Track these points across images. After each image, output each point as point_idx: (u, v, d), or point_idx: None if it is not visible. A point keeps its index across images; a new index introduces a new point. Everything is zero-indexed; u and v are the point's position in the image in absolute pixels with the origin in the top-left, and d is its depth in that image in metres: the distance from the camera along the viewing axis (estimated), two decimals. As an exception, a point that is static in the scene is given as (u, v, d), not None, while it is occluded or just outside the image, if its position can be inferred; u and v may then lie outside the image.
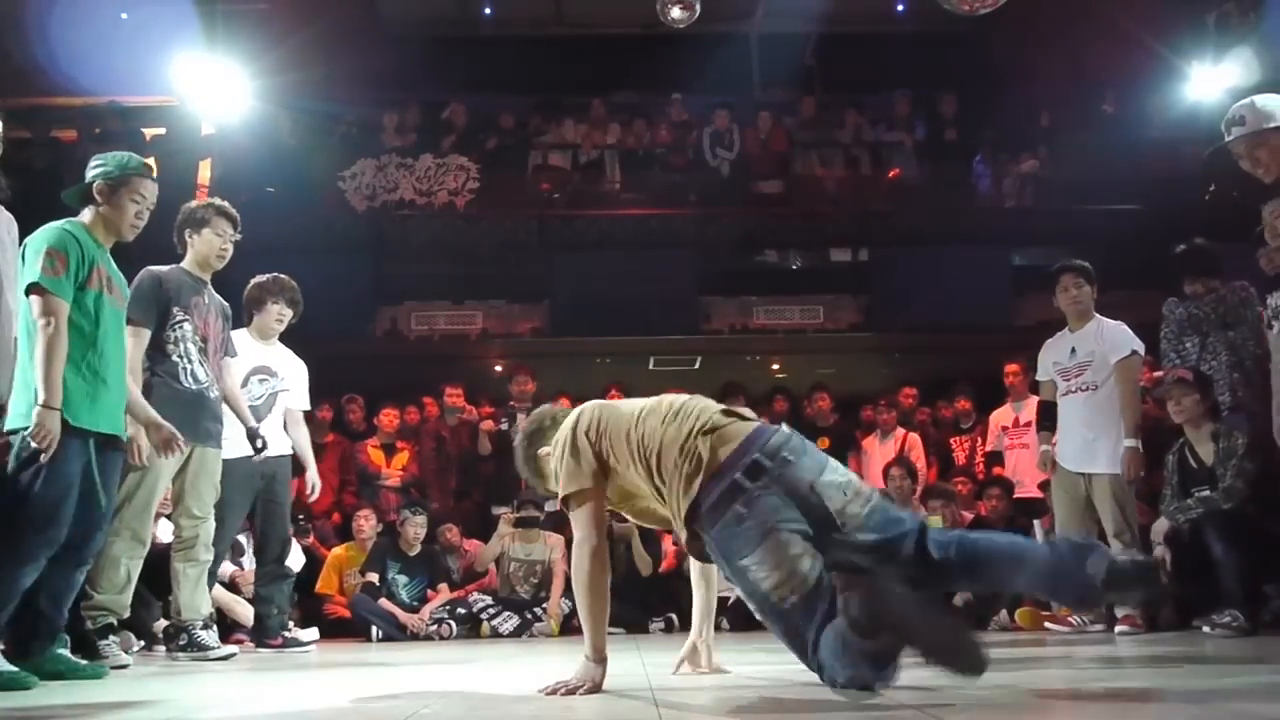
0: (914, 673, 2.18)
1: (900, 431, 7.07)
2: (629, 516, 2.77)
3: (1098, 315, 4.92)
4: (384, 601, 5.85)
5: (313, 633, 5.18)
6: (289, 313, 4.82)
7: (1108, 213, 9.70)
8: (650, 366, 9.68)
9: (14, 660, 2.96)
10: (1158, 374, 5.01)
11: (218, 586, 4.89)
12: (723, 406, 2.57)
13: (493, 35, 12.90)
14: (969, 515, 6.05)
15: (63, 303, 3.06)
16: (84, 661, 3.29)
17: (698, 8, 7.24)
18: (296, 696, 2.72)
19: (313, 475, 4.92)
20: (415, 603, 5.94)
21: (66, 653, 3.22)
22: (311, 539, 6.50)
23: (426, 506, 6.45)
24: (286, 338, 5.01)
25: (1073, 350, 4.89)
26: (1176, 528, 4.51)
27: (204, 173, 10.05)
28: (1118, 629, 4.52)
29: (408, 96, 10.87)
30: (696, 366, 9.81)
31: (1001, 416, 6.67)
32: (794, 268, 10.93)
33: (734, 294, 10.12)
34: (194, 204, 4.32)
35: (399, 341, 9.74)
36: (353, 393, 7.50)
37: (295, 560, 5.83)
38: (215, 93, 8.71)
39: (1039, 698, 1.96)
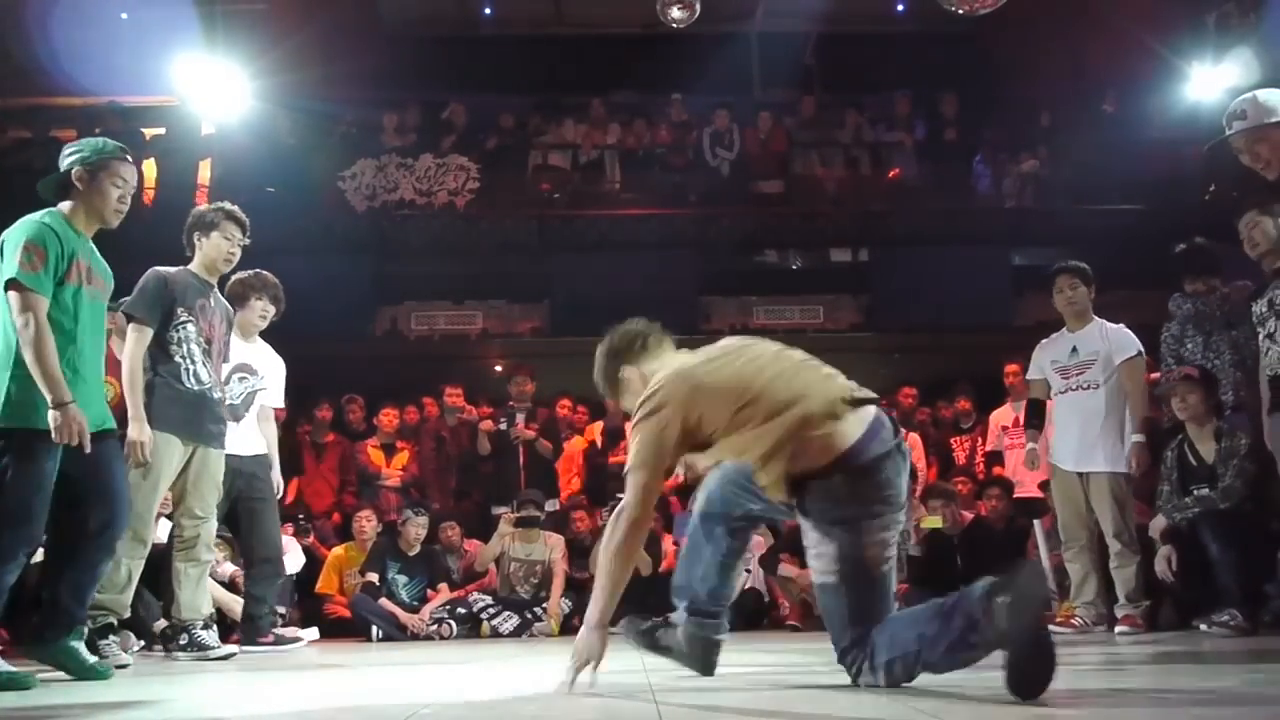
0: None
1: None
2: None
3: (1096, 317, 4.92)
4: (384, 601, 5.85)
5: (313, 632, 5.17)
6: (272, 309, 4.78)
7: (1108, 213, 9.72)
8: (650, 366, 9.68)
9: (24, 644, 2.93)
10: (1154, 375, 5.02)
11: (217, 586, 4.88)
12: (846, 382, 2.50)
13: (493, 35, 12.91)
14: (969, 515, 6.05)
15: (41, 299, 3.01)
16: (93, 659, 3.26)
17: (697, 8, 7.24)
18: (296, 696, 2.72)
19: (276, 475, 4.82)
20: (415, 603, 5.94)
21: (81, 646, 3.18)
22: (311, 539, 6.51)
23: (427, 506, 6.45)
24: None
25: (1074, 349, 4.88)
26: (1175, 525, 4.52)
27: (204, 173, 10.07)
28: (1118, 629, 4.53)
29: (407, 96, 10.86)
30: (697, 366, 9.81)
31: (1001, 416, 6.67)
32: (794, 268, 10.95)
33: (734, 294, 10.14)
34: (204, 207, 4.33)
35: (399, 341, 9.75)
36: (353, 393, 7.49)
37: (295, 560, 5.85)
38: (215, 93, 8.70)
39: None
